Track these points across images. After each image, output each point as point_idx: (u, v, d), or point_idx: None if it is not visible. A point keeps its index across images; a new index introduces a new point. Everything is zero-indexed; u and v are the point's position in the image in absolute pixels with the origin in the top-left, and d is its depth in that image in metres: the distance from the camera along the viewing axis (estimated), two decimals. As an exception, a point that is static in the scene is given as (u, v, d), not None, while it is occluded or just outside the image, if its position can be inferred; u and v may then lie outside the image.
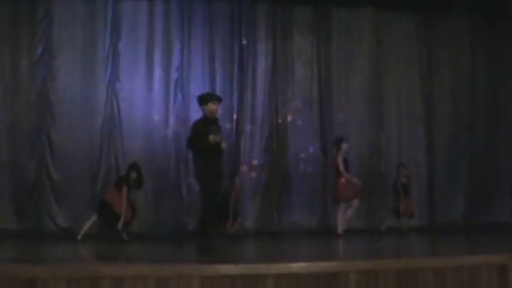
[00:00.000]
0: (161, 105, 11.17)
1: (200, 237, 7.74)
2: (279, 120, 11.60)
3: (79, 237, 9.62)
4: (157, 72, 11.18)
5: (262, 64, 11.65)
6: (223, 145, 7.78)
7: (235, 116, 11.39)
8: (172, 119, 11.16)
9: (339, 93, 11.91)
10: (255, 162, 11.44)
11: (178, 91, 11.20)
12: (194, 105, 11.19)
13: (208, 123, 7.81)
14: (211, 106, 7.88)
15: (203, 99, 7.99)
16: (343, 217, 10.37)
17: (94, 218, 9.78)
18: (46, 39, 10.84)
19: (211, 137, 7.55)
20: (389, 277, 6.32)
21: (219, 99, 8.06)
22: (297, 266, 6.22)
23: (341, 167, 10.32)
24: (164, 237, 10.45)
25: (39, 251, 8.56)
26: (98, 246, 9.31)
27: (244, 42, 11.54)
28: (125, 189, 9.75)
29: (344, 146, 10.44)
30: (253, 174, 11.45)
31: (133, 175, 9.91)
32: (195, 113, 11.12)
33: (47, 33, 10.84)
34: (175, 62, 11.23)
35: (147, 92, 11.12)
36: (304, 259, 6.87)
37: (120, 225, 9.61)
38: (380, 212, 11.65)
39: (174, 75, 11.20)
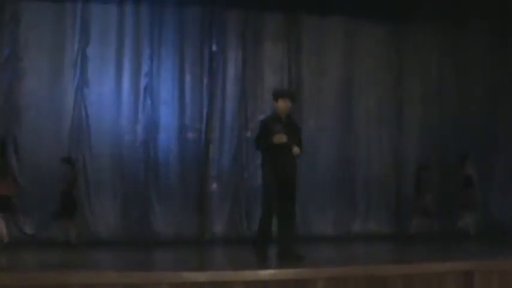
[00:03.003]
0: (130, 111, 11.08)
1: (257, 241, 7.39)
2: (249, 127, 11.56)
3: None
4: (127, 78, 11.10)
5: (232, 70, 11.63)
6: (295, 150, 7.24)
7: (204, 123, 11.35)
8: (141, 125, 11.07)
9: (309, 100, 11.95)
10: (224, 169, 11.41)
11: (147, 97, 11.12)
12: (163, 111, 11.26)
13: (275, 121, 7.36)
14: (280, 103, 7.37)
15: (274, 95, 7.52)
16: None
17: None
18: (13, 41, 10.66)
19: (276, 137, 7.14)
20: (358, 284, 6.35)
21: (290, 96, 7.50)
22: (266, 273, 6.21)
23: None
24: (133, 243, 10.38)
25: (5, 258, 8.42)
26: (66, 253, 9.20)
27: (214, 48, 11.52)
28: None
29: (468, 162, 11.85)
30: (222, 181, 11.41)
31: None
32: (164, 119, 11.21)
33: (13, 35, 10.66)
34: (144, 67, 11.14)
35: (116, 97, 11.03)
36: (272, 266, 6.86)
37: None
38: (349, 217, 11.79)
39: (143, 80, 11.12)
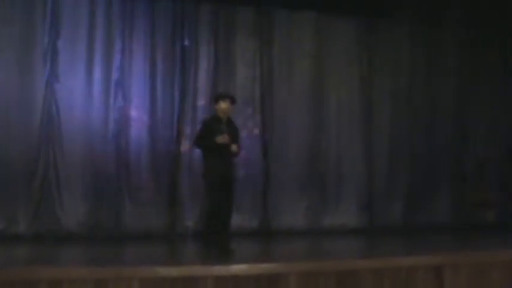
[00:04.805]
0: (101, 106, 10.96)
1: (207, 237, 8.00)
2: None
3: None
4: (98, 72, 10.96)
5: (204, 65, 11.56)
6: (234, 147, 7.82)
7: (176, 117, 11.30)
8: (112, 120, 10.97)
9: (280, 95, 11.97)
10: (195, 164, 11.36)
11: (118, 91, 11.02)
12: (135, 105, 11.18)
13: (217, 122, 7.89)
14: (221, 104, 8.01)
15: (214, 98, 8.24)
16: None
17: None
18: (-20, 34, 10.50)
19: (219, 137, 7.62)
20: (329, 278, 6.39)
21: (230, 98, 8.15)
22: (237, 268, 6.23)
23: None
24: (104, 238, 10.31)
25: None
26: (35, 248, 9.12)
27: (186, 43, 11.47)
28: None
29: None
30: (194, 176, 11.36)
31: None
32: (136, 114, 11.14)
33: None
34: (115, 62, 11.03)
35: (86, 92, 10.88)
36: (244, 261, 6.87)
37: None
38: (319, 212, 11.83)
39: (114, 75, 11.01)
